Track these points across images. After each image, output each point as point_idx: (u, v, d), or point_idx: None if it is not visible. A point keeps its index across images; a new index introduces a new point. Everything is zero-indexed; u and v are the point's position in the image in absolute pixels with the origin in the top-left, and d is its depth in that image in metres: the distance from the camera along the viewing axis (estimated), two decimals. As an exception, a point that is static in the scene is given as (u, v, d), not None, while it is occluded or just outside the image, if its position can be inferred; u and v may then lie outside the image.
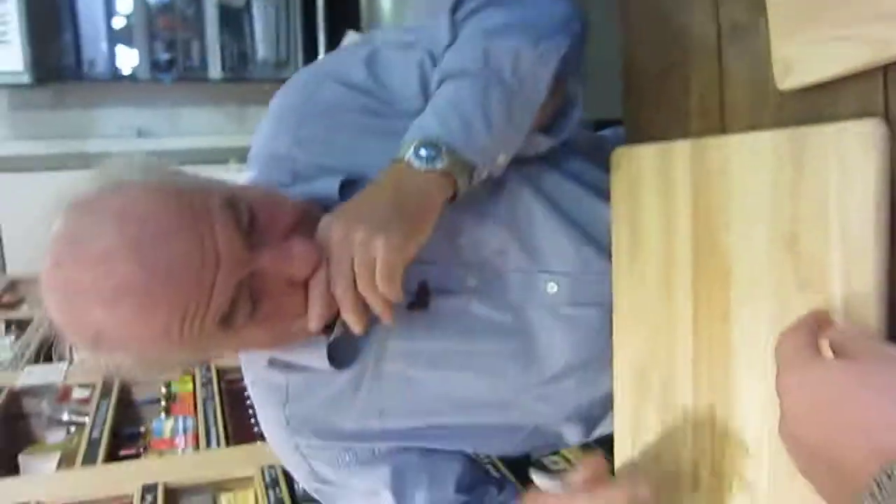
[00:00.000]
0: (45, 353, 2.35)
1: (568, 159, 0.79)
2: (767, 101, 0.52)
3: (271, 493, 1.45)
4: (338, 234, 0.60)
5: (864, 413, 0.36)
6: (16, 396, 1.98)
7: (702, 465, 0.60)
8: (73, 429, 1.91)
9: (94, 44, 2.88)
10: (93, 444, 1.63)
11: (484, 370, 0.74)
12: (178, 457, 1.69)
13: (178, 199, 0.59)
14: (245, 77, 3.07)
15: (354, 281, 0.59)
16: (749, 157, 0.53)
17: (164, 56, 2.95)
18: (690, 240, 0.60)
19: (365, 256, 0.58)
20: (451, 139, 0.62)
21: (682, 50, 0.60)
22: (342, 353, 0.72)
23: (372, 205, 0.61)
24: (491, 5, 0.71)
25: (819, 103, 0.48)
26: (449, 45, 0.71)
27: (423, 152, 0.61)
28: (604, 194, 0.75)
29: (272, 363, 0.75)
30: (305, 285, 0.62)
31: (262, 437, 1.86)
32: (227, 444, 1.68)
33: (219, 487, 1.53)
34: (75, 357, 2.29)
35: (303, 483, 0.83)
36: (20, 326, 2.52)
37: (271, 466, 1.54)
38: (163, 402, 1.95)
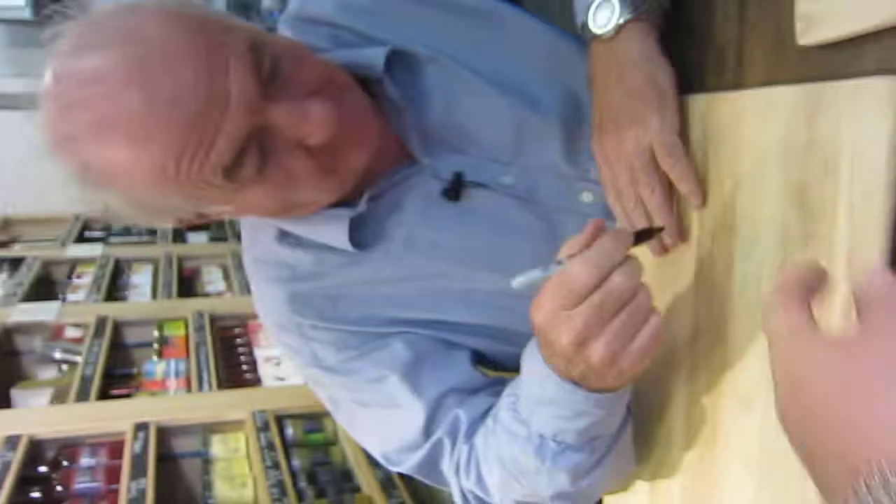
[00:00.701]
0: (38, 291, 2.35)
1: None
2: (786, 58, 0.52)
3: (262, 436, 1.47)
4: (613, 150, 0.59)
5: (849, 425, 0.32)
6: (8, 333, 1.98)
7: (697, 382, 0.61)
8: (64, 367, 1.92)
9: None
10: (85, 382, 1.64)
11: (509, 272, 0.72)
12: (170, 397, 1.70)
13: (194, 28, 0.54)
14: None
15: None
16: (763, 111, 0.53)
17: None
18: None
19: (642, 147, 0.58)
20: None
21: (705, 4, 0.60)
22: (362, 234, 0.69)
23: (608, 104, 0.60)
24: None
25: (838, 61, 0.48)
26: None
27: (600, 18, 0.59)
28: None
29: (283, 237, 0.71)
30: (317, 152, 0.59)
31: (253, 383, 1.89)
32: (220, 388, 1.69)
33: (210, 429, 1.55)
34: (68, 297, 2.30)
35: (297, 368, 0.77)
36: (13, 265, 2.52)
37: (262, 411, 1.56)
38: (155, 345, 1.96)
